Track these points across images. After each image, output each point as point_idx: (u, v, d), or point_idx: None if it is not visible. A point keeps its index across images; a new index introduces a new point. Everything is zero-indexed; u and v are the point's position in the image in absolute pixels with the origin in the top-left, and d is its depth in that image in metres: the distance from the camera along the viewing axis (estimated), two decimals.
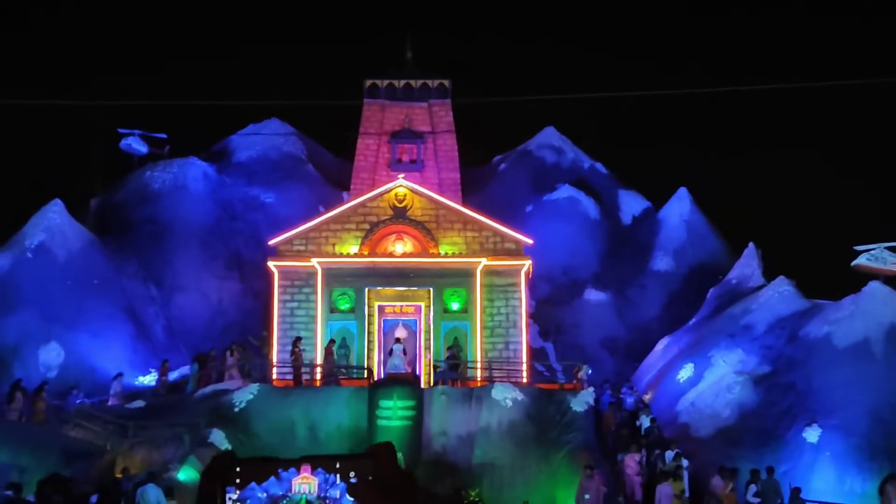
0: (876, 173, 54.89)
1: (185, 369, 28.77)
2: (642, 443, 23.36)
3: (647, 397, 27.58)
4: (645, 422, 24.87)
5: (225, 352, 28.10)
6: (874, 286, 25.50)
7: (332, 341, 28.74)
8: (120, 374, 27.80)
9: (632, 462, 22.33)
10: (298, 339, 28.52)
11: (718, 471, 21.25)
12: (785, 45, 69.82)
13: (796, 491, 20.44)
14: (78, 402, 25.81)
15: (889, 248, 26.97)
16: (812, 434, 23.08)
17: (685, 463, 22.18)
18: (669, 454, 22.47)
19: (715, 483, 21.04)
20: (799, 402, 23.89)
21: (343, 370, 28.89)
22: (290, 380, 27.95)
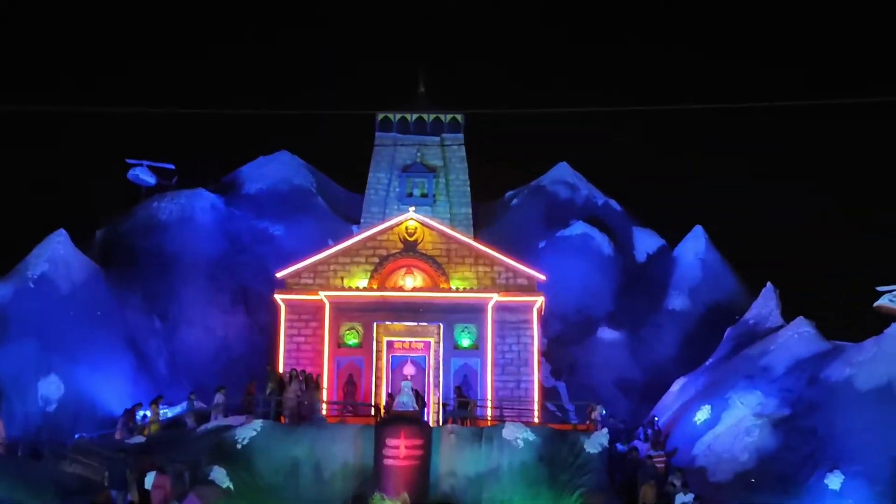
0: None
1: (186, 405, 28.05)
2: None
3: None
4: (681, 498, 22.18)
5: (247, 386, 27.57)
6: None
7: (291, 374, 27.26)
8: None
9: None
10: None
11: None
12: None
13: None
14: (77, 436, 25.49)
15: None
16: (834, 481, 22.44)
17: None
18: None
19: None
20: (820, 447, 23.24)
21: (349, 407, 28.40)
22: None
